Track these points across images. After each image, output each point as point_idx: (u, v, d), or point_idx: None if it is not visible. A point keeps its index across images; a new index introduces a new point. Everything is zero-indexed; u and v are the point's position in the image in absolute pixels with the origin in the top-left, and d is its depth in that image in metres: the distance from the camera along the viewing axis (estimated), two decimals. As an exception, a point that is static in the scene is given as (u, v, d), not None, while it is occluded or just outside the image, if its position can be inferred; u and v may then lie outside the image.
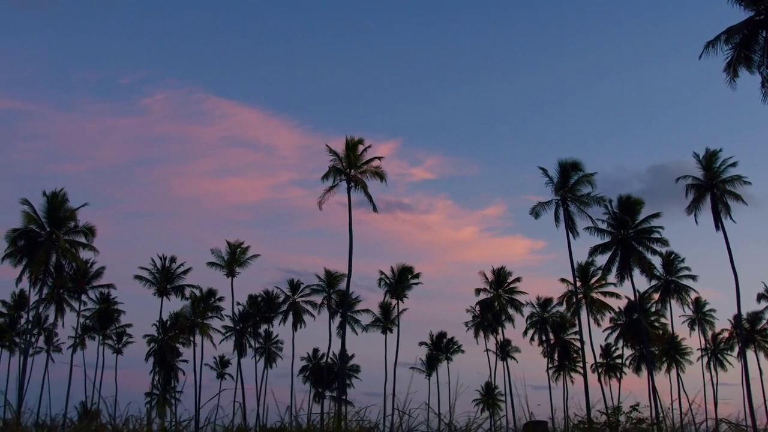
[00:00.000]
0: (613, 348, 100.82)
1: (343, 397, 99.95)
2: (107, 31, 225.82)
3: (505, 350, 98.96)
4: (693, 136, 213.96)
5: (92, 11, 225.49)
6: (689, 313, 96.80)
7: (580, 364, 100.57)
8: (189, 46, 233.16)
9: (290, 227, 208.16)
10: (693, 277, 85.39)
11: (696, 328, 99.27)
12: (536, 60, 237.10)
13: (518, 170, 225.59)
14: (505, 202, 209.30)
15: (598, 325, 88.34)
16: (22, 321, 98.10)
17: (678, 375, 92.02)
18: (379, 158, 65.64)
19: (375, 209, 64.40)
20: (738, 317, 69.02)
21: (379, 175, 64.65)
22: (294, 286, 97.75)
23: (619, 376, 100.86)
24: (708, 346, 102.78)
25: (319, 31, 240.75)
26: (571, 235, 67.48)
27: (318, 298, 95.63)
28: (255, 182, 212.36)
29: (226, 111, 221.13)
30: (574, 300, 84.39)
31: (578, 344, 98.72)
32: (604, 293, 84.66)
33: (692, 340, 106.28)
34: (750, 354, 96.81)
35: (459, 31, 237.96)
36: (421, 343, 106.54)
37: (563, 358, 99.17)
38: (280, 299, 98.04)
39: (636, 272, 71.65)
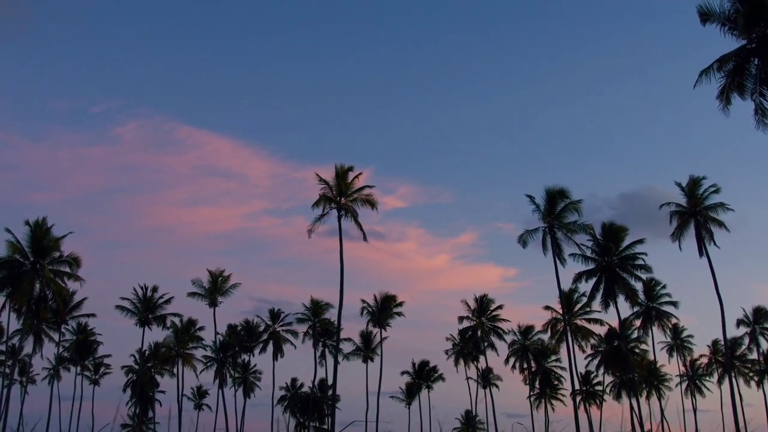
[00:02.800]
0: (593, 375, 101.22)
1: (325, 427, 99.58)
2: (79, 60, 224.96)
3: (487, 378, 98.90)
4: (663, 163, 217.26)
5: (64, 41, 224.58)
6: (668, 339, 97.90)
7: (561, 392, 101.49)
8: (161, 75, 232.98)
9: (262, 256, 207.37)
10: (674, 304, 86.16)
11: (674, 354, 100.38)
12: (507, 88, 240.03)
13: (490, 198, 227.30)
14: (477, 230, 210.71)
15: (583, 351, 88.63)
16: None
17: (659, 401, 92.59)
18: (370, 186, 65.67)
19: (365, 238, 64.14)
20: (725, 342, 69.69)
21: (370, 202, 64.48)
22: (274, 315, 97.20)
23: (599, 403, 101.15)
24: (687, 372, 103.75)
25: (290, 59, 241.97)
26: (559, 262, 67.80)
27: (300, 327, 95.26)
28: (227, 210, 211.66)
29: (198, 140, 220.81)
30: (559, 327, 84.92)
31: (559, 371, 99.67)
32: (588, 320, 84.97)
33: (671, 367, 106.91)
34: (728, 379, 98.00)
35: (432, 60, 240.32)
36: (403, 372, 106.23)
37: (544, 385, 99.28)
38: (261, 328, 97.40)
39: (620, 299, 72.23)
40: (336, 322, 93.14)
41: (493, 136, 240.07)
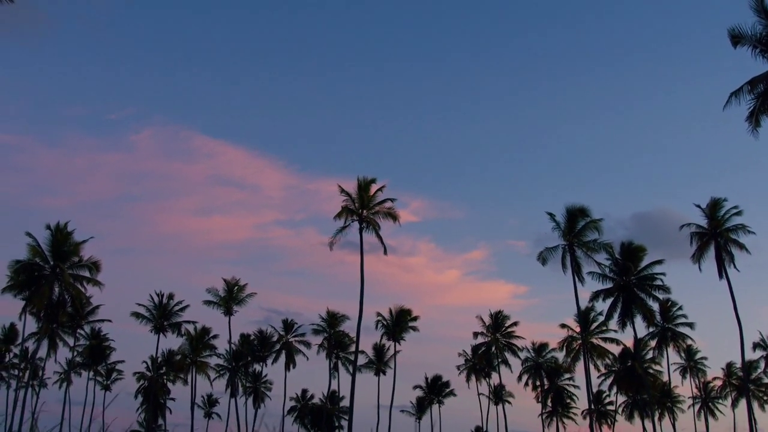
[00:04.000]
0: (605, 394, 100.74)
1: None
2: (96, 66, 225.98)
3: (499, 395, 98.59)
4: (676, 185, 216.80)
5: (81, 47, 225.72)
6: (681, 360, 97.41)
7: (573, 410, 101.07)
8: (177, 83, 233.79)
9: (273, 266, 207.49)
10: (690, 325, 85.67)
11: (687, 375, 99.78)
12: (521, 106, 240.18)
13: (501, 215, 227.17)
14: (488, 247, 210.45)
15: (598, 370, 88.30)
16: (11, 355, 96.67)
17: (673, 423, 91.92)
18: (392, 199, 65.54)
19: (385, 251, 63.99)
20: (743, 365, 69.12)
21: (392, 215, 64.35)
22: (288, 325, 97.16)
23: (610, 423, 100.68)
24: (700, 394, 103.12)
25: (306, 71, 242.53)
26: (578, 281, 67.57)
27: (312, 338, 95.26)
28: (239, 220, 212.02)
29: (212, 149, 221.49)
30: (575, 345, 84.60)
31: (572, 390, 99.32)
32: (604, 339, 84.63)
33: (683, 388, 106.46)
34: (743, 403, 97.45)
35: (447, 74, 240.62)
36: (415, 386, 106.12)
37: (556, 403, 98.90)
38: (274, 338, 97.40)
39: (638, 319, 71.96)
40: (350, 335, 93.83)
41: (506, 153, 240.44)
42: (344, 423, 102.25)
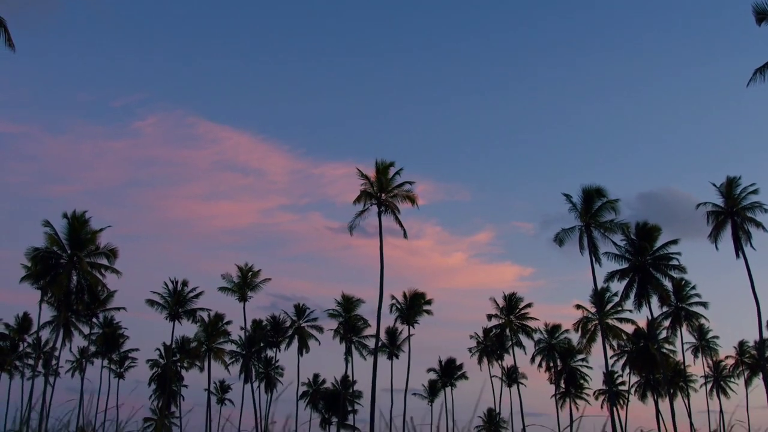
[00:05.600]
0: (617, 375, 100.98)
1: (350, 424, 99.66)
2: (100, 53, 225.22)
3: (512, 376, 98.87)
4: (680, 165, 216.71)
5: (84, 33, 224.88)
6: (693, 340, 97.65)
7: (586, 391, 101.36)
8: (181, 69, 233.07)
9: (279, 251, 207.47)
10: (704, 304, 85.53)
11: (699, 355, 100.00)
12: (526, 87, 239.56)
13: (508, 197, 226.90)
14: (495, 229, 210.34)
15: (613, 350, 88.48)
16: (24, 344, 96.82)
17: (687, 403, 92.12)
18: (410, 182, 65.53)
19: (405, 235, 64.01)
20: (762, 344, 69.27)
21: (410, 198, 64.34)
22: (300, 310, 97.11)
23: (622, 403, 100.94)
24: (712, 373, 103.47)
25: (311, 55, 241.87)
26: (595, 261, 67.67)
27: (324, 323, 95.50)
28: (245, 205, 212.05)
29: (217, 135, 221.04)
30: (590, 326, 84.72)
31: (585, 371, 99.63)
32: (620, 319, 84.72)
33: (695, 368, 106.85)
34: (755, 381, 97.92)
35: (452, 58, 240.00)
36: (429, 369, 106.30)
37: (569, 384, 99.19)
38: (287, 324, 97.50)
39: (654, 299, 72.13)
40: (364, 318, 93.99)
41: (512, 135, 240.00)
42: (357, 407, 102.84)
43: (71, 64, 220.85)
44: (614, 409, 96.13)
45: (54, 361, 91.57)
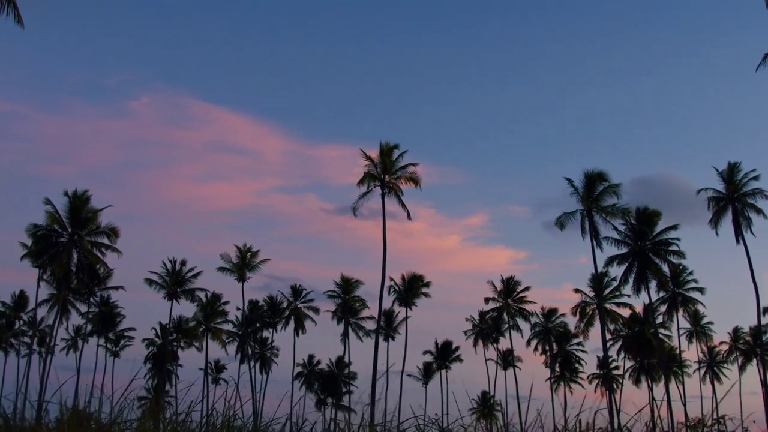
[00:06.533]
0: (611, 359, 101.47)
1: (344, 404, 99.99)
2: (92, 32, 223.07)
3: (507, 360, 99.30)
4: (675, 150, 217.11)
5: (77, 12, 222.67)
6: (687, 325, 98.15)
7: (581, 375, 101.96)
8: (175, 49, 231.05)
9: (274, 233, 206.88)
10: (700, 290, 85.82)
11: (694, 340, 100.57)
12: (521, 72, 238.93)
13: (502, 181, 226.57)
14: (489, 212, 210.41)
15: (610, 334, 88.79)
16: (20, 322, 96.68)
17: (683, 388, 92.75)
18: (414, 164, 65.54)
19: (409, 216, 64.22)
20: (760, 329, 69.84)
21: (414, 180, 64.42)
22: (297, 291, 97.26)
23: (616, 387, 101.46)
24: (705, 358, 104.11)
25: (308, 37, 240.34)
26: (596, 245, 67.86)
27: (321, 304, 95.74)
28: (240, 187, 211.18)
29: (213, 116, 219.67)
30: (589, 310, 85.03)
31: (580, 354, 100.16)
32: (618, 304, 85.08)
33: (690, 353, 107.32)
34: (750, 368, 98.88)
35: (449, 41, 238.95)
36: (425, 352, 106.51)
37: (564, 368, 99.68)
38: (283, 305, 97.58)
39: (652, 284, 72.51)
40: (363, 300, 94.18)
41: (508, 118, 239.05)
42: (352, 389, 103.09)
43: (64, 42, 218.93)
44: (611, 394, 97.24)
45: (50, 339, 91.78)
